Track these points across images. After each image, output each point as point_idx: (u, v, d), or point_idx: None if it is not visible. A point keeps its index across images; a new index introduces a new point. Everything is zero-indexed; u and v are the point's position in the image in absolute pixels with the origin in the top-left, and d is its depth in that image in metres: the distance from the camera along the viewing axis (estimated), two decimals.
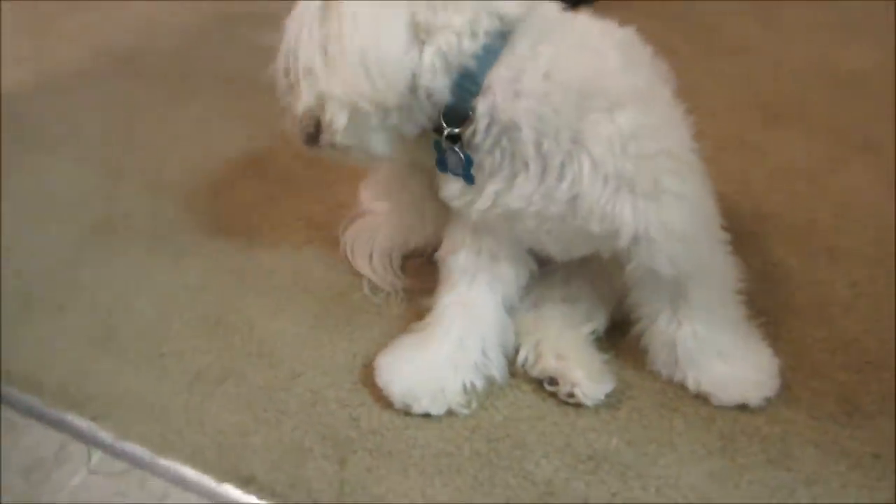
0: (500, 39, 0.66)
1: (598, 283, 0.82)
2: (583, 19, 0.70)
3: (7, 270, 0.98)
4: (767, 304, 0.86)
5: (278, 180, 1.12)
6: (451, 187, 0.73)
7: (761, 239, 0.98)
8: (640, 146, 0.65)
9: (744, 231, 0.97)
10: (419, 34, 0.65)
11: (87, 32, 1.58)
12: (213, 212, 1.06)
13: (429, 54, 0.64)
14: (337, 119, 0.67)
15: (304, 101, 0.68)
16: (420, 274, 0.91)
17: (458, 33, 0.64)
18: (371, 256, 0.93)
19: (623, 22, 0.72)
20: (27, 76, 1.43)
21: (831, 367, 0.80)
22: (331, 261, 0.95)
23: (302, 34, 0.67)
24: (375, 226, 0.96)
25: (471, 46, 0.65)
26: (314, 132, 0.70)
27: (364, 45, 0.63)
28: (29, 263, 0.99)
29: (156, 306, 0.92)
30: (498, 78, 0.65)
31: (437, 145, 0.70)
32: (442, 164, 0.71)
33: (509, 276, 0.79)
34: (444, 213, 0.81)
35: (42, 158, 1.19)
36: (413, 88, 0.66)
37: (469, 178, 0.70)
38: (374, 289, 0.91)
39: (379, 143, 0.71)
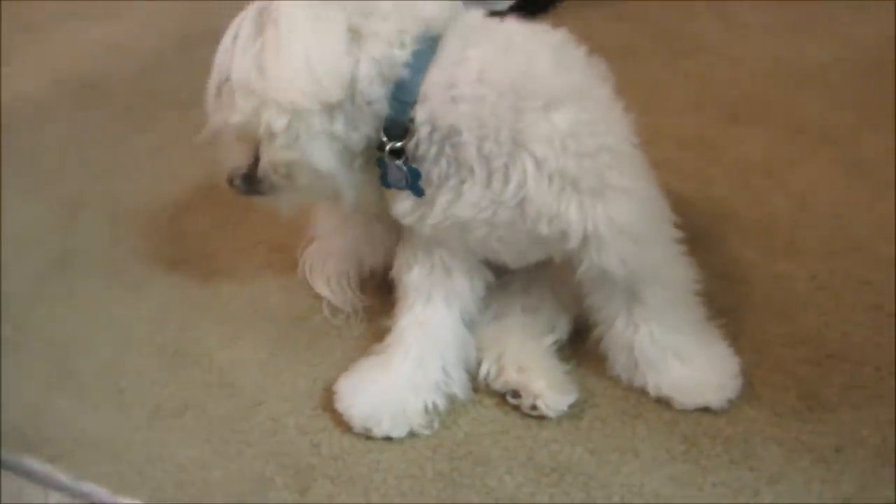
0: (429, 46, 0.66)
1: (558, 291, 0.81)
2: (510, 24, 0.70)
3: None
4: (727, 302, 0.86)
5: (237, 205, 1.10)
6: (402, 205, 0.72)
7: (720, 237, 0.98)
8: (579, 144, 0.66)
9: (703, 229, 0.98)
10: (355, 39, 0.65)
11: (47, 61, 1.56)
12: (172, 240, 1.05)
13: (364, 62, 0.65)
14: (275, 123, 0.65)
15: (238, 113, 0.67)
16: (379, 293, 0.91)
17: (388, 42, 0.65)
18: (329, 278, 0.93)
19: (584, 24, 0.72)
20: None
21: (792, 361, 0.80)
22: (290, 284, 0.95)
23: (235, 47, 0.66)
24: (332, 247, 0.95)
25: (401, 55, 0.65)
26: (251, 170, 0.70)
27: (304, 48, 0.63)
28: None
29: (113, 341, 0.90)
30: (433, 85, 0.65)
31: (380, 161, 0.70)
32: (384, 180, 0.70)
33: (465, 289, 0.78)
34: (396, 231, 0.80)
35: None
36: (352, 95, 0.65)
37: (417, 191, 0.69)
38: (334, 310, 0.90)
39: (323, 155, 0.68)
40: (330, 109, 0.65)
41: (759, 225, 0.99)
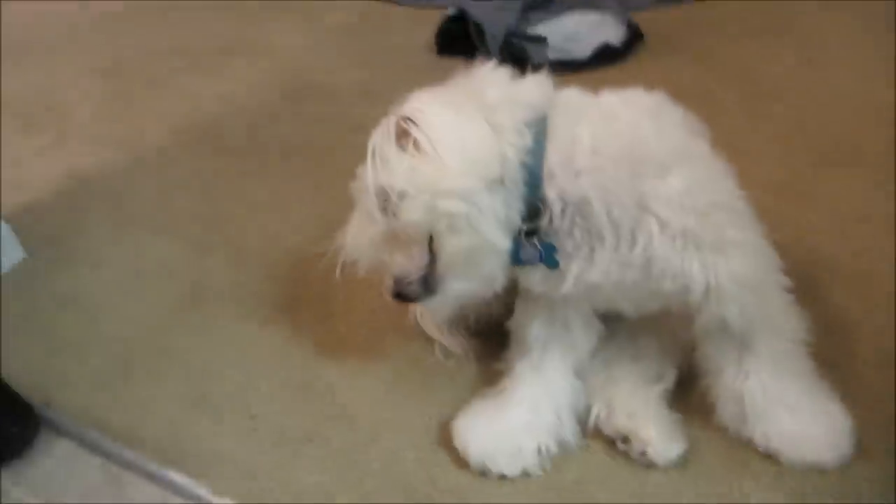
0: (541, 129, 0.71)
1: (664, 339, 0.85)
2: (606, 96, 0.75)
3: (105, 336, 1.08)
4: (833, 355, 0.87)
5: None
6: (534, 276, 0.76)
7: (822, 287, 0.99)
8: (695, 201, 0.70)
9: (803, 279, 0.98)
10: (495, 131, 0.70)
11: (167, 113, 1.72)
12: (292, 282, 1.14)
13: (506, 149, 0.70)
14: (453, 208, 0.68)
15: (412, 214, 0.69)
16: (489, 338, 0.96)
17: (513, 130, 0.70)
18: (440, 322, 0.99)
19: (663, 69, 0.74)
20: (115, 156, 1.56)
21: None
22: (403, 326, 1.01)
23: (382, 162, 0.70)
24: None
25: (524, 143, 0.70)
26: (429, 269, 0.72)
27: (459, 138, 0.68)
28: (127, 330, 1.09)
29: (244, 371, 0.99)
30: (554, 164, 0.71)
31: (513, 240, 0.73)
32: (514, 258, 0.74)
33: (581, 342, 0.83)
34: (512, 283, 0.84)
35: (136, 232, 1.30)
36: (504, 177, 0.70)
37: (553, 264, 0.73)
38: (446, 353, 0.96)
39: (497, 233, 0.70)
40: (492, 187, 0.69)
41: (861, 275, 1.00)
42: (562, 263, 0.73)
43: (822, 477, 0.76)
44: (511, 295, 0.85)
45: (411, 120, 0.69)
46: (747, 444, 0.79)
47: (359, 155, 0.79)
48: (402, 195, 0.69)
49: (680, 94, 0.77)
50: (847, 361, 0.87)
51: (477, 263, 0.72)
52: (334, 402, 0.93)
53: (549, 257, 0.73)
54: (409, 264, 0.72)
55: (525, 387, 0.82)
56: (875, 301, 0.95)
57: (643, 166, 0.70)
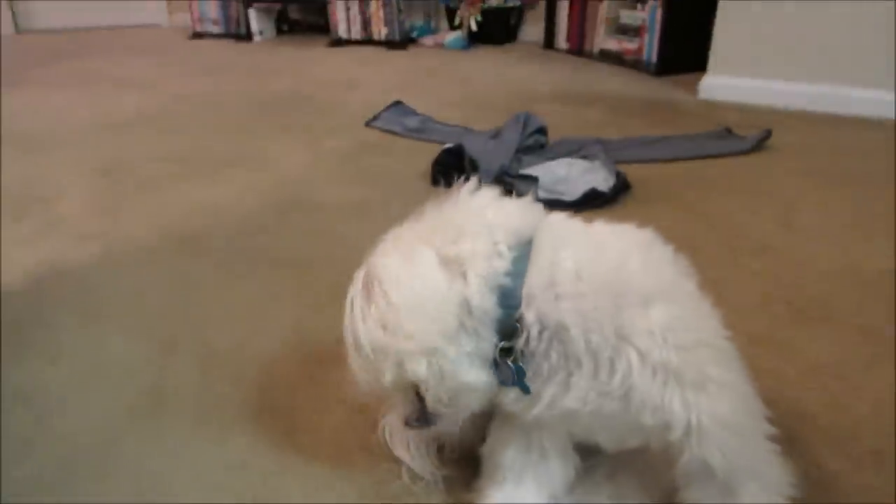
0: (524, 252, 0.71)
1: (644, 478, 0.81)
2: (596, 225, 0.76)
3: (54, 433, 1.01)
4: None
5: (322, 362, 1.16)
6: (508, 395, 0.74)
7: (801, 440, 0.97)
8: (677, 337, 0.69)
9: (783, 431, 0.97)
10: (454, 267, 0.70)
11: (155, 214, 1.74)
12: (259, 389, 1.09)
13: (472, 278, 0.70)
14: (418, 369, 0.70)
15: (387, 373, 0.71)
16: (461, 462, 0.92)
17: (487, 257, 0.70)
18: (409, 443, 0.94)
19: (649, 217, 0.76)
20: (96, 250, 1.56)
21: None
22: (371, 446, 0.96)
23: (355, 316, 0.72)
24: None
25: (502, 265, 0.70)
26: (422, 410, 0.74)
27: (408, 292, 0.69)
28: (76, 427, 1.02)
29: (196, 484, 0.92)
30: (535, 287, 0.70)
31: (493, 362, 0.73)
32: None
33: (557, 472, 0.79)
34: (484, 410, 0.82)
35: (102, 328, 1.26)
36: (469, 311, 0.70)
37: (524, 388, 0.72)
38: (414, 477, 0.91)
39: (471, 373, 0.72)
40: (455, 335, 0.70)
41: (840, 429, 0.99)
42: (537, 386, 0.72)
43: None
44: (485, 418, 0.82)
45: (374, 275, 0.71)
46: None
47: (342, 268, 0.80)
48: (372, 353, 0.71)
49: (666, 240, 0.77)
50: None
51: (462, 399, 0.73)
52: None
53: (520, 381, 0.72)
54: (402, 409, 0.73)
55: None
56: (856, 459, 0.94)
57: (626, 297, 0.70)
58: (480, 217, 0.72)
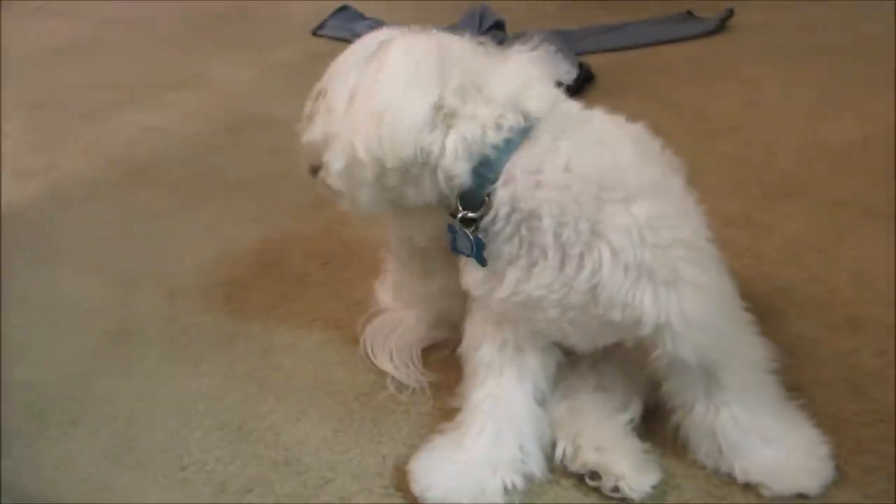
0: (521, 134, 0.68)
1: (629, 369, 0.80)
2: (598, 116, 0.73)
3: (18, 383, 0.96)
4: (797, 381, 0.84)
5: (293, 281, 1.12)
6: (473, 276, 0.73)
7: (780, 314, 0.98)
8: (656, 236, 0.66)
9: (761, 307, 0.97)
10: (445, 118, 0.67)
11: (99, 145, 1.63)
12: (229, 316, 1.05)
13: (452, 139, 0.67)
14: (334, 162, 0.69)
15: (313, 134, 0.71)
16: (445, 368, 0.90)
17: (483, 125, 0.67)
18: (392, 353, 0.92)
19: (615, 106, 0.74)
20: (39, 188, 1.46)
21: (875, 440, 0.78)
22: (352, 359, 0.94)
23: (340, 74, 0.70)
24: (394, 322, 0.96)
25: (493, 138, 0.67)
26: (318, 166, 0.73)
27: (387, 103, 0.66)
28: (42, 375, 0.98)
29: (175, 416, 0.89)
30: (520, 168, 0.67)
31: (450, 228, 0.71)
32: (453, 246, 0.72)
33: (536, 366, 0.77)
34: (462, 305, 0.80)
35: (56, 269, 1.20)
36: (431, 167, 0.68)
37: (480, 260, 0.71)
38: (399, 386, 0.89)
39: (366, 199, 0.71)
40: (383, 169, 0.68)
41: (819, 300, 0.99)
42: (498, 266, 0.70)
43: None
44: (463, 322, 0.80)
45: (384, 47, 0.68)
46: (726, 476, 0.75)
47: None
48: (324, 108, 0.70)
49: None
50: (811, 385, 0.85)
51: (345, 201, 0.73)
52: (278, 445, 0.84)
53: (478, 252, 0.70)
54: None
55: (483, 418, 0.76)
56: (834, 326, 0.95)
57: (610, 192, 0.66)
58: (504, 85, 0.68)
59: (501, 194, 0.68)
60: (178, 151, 1.57)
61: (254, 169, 1.47)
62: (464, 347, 0.81)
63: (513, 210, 0.68)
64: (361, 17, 2.33)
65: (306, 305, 1.06)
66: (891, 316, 0.94)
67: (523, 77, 0.70)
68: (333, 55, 0.73)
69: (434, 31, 0.72)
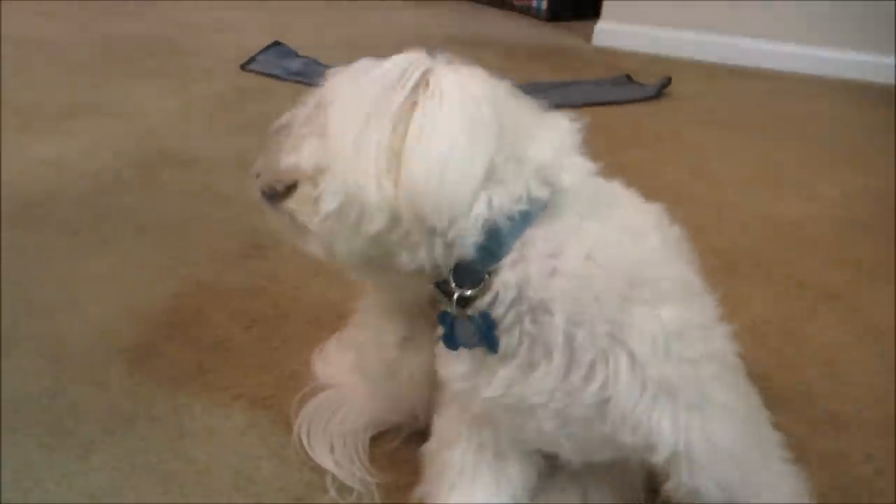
0: (541, 207, 0.57)
1: (615, 480, 0.69)
2: (622, 193, 0.62)
3: None
4: None
5: (210, 346, 0.95)
6: (455, 368, 0.60)
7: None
8: (687, 348, 0.56)
9: None
10: (494, 179, 0.55)
11: None
12: (130, 391, 0.87)
13: (480, 203, 0.54)
14: (326, 199, 0.55)
15: (300, 158, 0.57)
16: (395, 464, 0.76)
17: (510, 194, 0.55)
18: (332, 445, 0.77)
19: None
20: None
21: None
22: (283, 452, 0.78)
23: (354, 95, 0.56)
24: (336, 401, 0.81)
25: (511, 207, 0.55)
26: (282, 192, 0.58)
27: (447, 151, 0.52)
28: None
29: None
30: (535, 249, 0.56)
31: (443, 316, 0.58)
32: (450, 340, 0.58)
33: (518, 477, 0.65)
34: (425, 380, 0.68)
35: None
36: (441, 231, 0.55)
37: (493, 343, 0.57)
38: (341, 488, 0.74)
39: (345, 249, 0.57)
40: (396, 220, 0.54)
41: (794, 393, 0.93)
42: (488, 361, 0.58)
43: None
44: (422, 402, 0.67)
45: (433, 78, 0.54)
46: None
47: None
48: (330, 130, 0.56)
49: None
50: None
51: (314, 242, 0.58)
52: None
53: (489, 333, 0.56)
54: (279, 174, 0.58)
55: None
56: (815, 423, 0.88)
57: (640, 290, 0.56)
58: (544, 150, 0.57)
59: (507, 276, 0.55)
60: (78, 187, 1.36)
61: (166, 211, 1.29)
62: (431, 445, 0.68)
63: (519, 297, 0.56)
64: (295, 54, 2.21)
65: (227, 379, 0.89)
66: (870, 415, 0.89)
67: (563, 142, 0.59)
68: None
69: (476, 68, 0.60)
